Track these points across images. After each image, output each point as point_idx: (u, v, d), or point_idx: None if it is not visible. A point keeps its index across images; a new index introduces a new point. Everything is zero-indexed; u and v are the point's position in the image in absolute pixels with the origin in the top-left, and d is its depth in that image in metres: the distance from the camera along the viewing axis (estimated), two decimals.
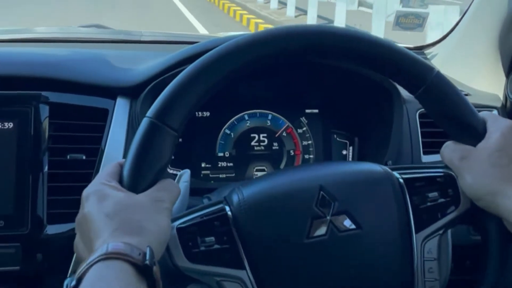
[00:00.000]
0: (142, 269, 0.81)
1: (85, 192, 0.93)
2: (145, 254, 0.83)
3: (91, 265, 0.80)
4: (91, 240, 0.86)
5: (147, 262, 0.82)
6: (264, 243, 0.96)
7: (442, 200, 1.02)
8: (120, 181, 0.94)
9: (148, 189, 0.92)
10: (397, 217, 1.00)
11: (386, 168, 1.04)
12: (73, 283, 0.81)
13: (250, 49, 0.97)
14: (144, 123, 0.93)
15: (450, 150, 1.03)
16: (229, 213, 0.97)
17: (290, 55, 1.00)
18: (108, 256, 0.80)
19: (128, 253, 0.81)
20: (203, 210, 0.98)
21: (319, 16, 12.17)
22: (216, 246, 0.95)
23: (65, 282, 0.84)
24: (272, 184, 1.02)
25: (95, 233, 0.86)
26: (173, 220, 0.96)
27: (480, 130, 1.01)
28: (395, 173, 1.03)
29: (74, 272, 0.84)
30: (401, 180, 1.02)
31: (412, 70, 1.01)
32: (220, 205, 0.99)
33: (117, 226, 0.86)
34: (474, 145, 1.01)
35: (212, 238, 0.96)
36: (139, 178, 0.92)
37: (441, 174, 1.04)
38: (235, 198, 0.99)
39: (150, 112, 0.93)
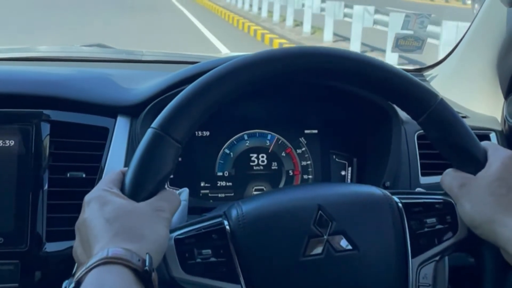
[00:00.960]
0: (141, 275, 0.82)
1: (87, 197, 0.95)
2: (144, 260, 0.84)
3: (91, 269, 0.81)
4: (90, 245, 0.87)
5: (147, 268, 0.83)
6: (260, 258, 0.97)
7: (440, 226, 1.03)
8: (122, 188, 0.95)
9: (149, 199, 0.93)
10: (394, 240, 1.01)
11: (386, 192, 1.05)
12: (72, 285, 0.82)
13: (256, 66, 0.99)
14: (148, 133, 0.95)
15: (450, 177, 1.04)
16: (227, 227, 0.98)
17: (293, 75, 1.02)
18: (108, 261, 0.81)
19: (128, 258, 0.82)
20: (201, 223, 0.99)
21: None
22: (212, 259, 0.96)
23: (64, 284, 0.85)
24: (271, 201, 1.03)
25: (95, 237, 0.87)
26: (172, 231, 0.97)
27: (481, 159, 1.03)
28: (395, 197, 1.04)
29: (73, 275, 0.85)
30: (400, 205, 1.03)
31: (416, 96, 1.02)
32: (219, 219, 1.00)
33: (117, 231, 0.87)
34: (474, 173, 1.02)
35: (209, 251, 0.97)
36: (140, 186, 0.94)
37: (440, 200, 1.05)
38: (234, 213, 1.00)
39: (155, 123, 0.95)
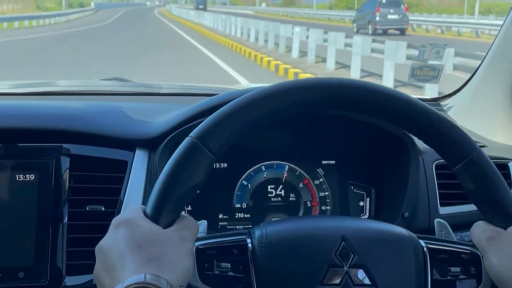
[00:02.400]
0: None
1: (116, 220, 0.96)
2: None
3: None
4: (118, 268, 0.88)
5: None
6: (277, 280, 0.97)
7: (464, 277, 1.02)
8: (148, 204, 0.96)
9: (175, 210, 0.95)
10: (414, 284, 0.99)
11: (413, 234, 1.04)
12: None
13: (299, 91, 1.01)
14: (185, 142, 0.97)
15: (480, 230, 1.03)
16: (250, 244, 0.99)
17: (329, 105, 1.04)
18: (145, 286, 0.83)
19: (164, 287, 0.84)
20: (225, 237, 1.01)
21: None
22: (231, 273, 0.97)
23: None
24: (296, 226, 1.04)
25: (124, 261, 0.88)
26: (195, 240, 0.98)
27: None
28: (421, 241, 1.03)
29: None
30: (426, 249, 1.02)
31: (455, 143, 1.02)
32: (243, 236, 1.01)
33: (150, 258, 0.88)
34: (505, 227, 1.01)
35: (228, 265, 0.98)
36: (170, 193, 0.95)
37: (467, 251, 1.04)
38: (258, 232, 1.01)
39: (194, 132, 0.97)
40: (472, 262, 1.03)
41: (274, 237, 0.99)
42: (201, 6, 67.05)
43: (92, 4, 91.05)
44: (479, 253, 1.02)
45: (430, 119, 1.02)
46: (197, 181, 0.97)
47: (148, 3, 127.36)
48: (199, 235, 1.06)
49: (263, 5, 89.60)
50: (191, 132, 0.98)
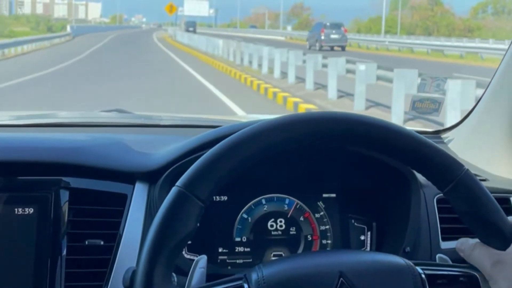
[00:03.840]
0: None
1: None
2: None
3: None
4: None
5: None
6: None
7: None
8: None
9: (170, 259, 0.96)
10: None
11: (409, 262, 1.04)
12: None
13: (284, 129, 1.01)
14: (173, 191, 0.97)
15: (481, 254, 1.04)
16: None
17: (317, 140, 1.04)
18: None
19: None
20: (221, 285, 0.99)
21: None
22: None
23: None
24: (292, 266, 1.02)
25: None
26: None
27: (507, 234, 1.02)
28: (418, 268, 1.03)
29: None
30: (423, 276, 1.02)
31: (441, 166, 1.03)
32: (239, 282, 0.99)
33: None
34: (503, 248, 1.01)
35: None
36: (162, 244, 0.95)
37: (465, 273, 1.04)
38: (254, 276, 0.99)
39: (180, 181, 0.97)
40: (470, 284, 1.03)
41: (271, 280, 0.98)
42: (191, 28, 67.65)
43: (68, 28, 69.12)
44: (477, 274, 1.03)
45: (414, 144, 1.03)
46: (188, 231, 0.97)
47: (143, 25, 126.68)
48: (199, 270, 1.05)
49: (289, 28, 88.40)
50: (181, 177, 0.98)
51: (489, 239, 1.03)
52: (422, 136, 1.05)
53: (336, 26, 36.52)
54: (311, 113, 1.04)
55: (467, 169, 1.03)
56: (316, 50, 31.72)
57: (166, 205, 0.97)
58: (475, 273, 1.03)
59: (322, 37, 35.44)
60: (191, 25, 70.30)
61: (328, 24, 36.69)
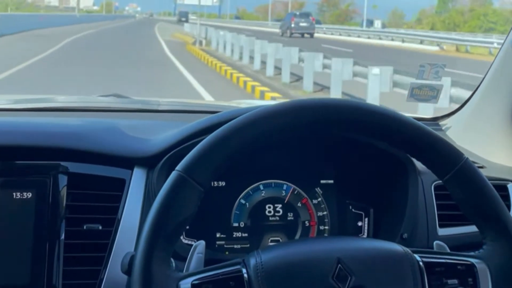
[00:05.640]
0: None
1: None
2: None
3: None
4: None
5: None
6: None
7: None
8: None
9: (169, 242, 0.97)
10: None
11: (408, 249, 1.04)
12: None
13: (283, 116, 1.01)
14: (172, 175, 0.98)
15: None
16: (245, 275, 0.98)
17: (316, 126, 1.04)
18: None
19: None
20: (219, 269, 1.00)
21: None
22: None
23: None
24: (290, 252, 1.03)
25: None
26: (189, 275, 0.98)
27: (505, 223, 1.03)
28: (416, 256, 1.03)
29: None
30: (421, 263, 1.02)
31: (441, 154, 1.03)
32: (237, 266, 1.00)
33: None
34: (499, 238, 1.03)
35: None
36: (161, 229, 0.96)
37: (463, 262, 1.04)
38: (252, 261, 1.00)
39: (180, 165, 0.98)
40: (468, 273, 1.03)
41: (269, 266, 0.98)
42: (183, 19, 67.08)
43: None
44: (473, 262, 1.03)
45: (414, 132, 1.04)
46: (187, 215, 0.98)
47: (137, 15, 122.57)
48: (197, 256, 1.05)
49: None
50: (181, 161, 0.99)
51: (485, 225, 1.03)
52: (422, 124, 1.05)
53: (305, 15, 40.21)
54: (311, 99, 1.04)
55: (467, 158, 1.03)
56: (287, 37, 36.33)
57: (165, 189, 0.97)
58: (473, 261, 1.04)
59: (292, 25, 38.56)
60: (184, 15, 69.95)
61: (297, 13, 40.60)
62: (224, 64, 16.51)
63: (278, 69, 14.94)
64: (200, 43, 24.43)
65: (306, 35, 38.61)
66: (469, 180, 1.03)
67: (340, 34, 42.01)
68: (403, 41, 33.11)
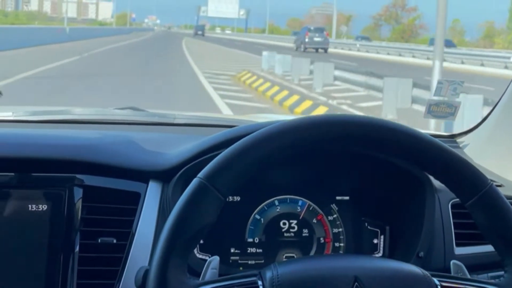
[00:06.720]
0: None
1: None
2: None
3: None
4: None
5: None
6: None
7: None
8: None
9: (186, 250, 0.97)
10: None
11: (426, 272, 1.02)
12: None
13: (308, 129, 1.01)
14: (194, 183, 0.98)
15: None
16: (261, 287, 0.98)
17: (340, 142, 1.04)
18: None
19: None
20: (235, 280, 0.99)
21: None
22: None
23: None
24: (307, 267, 1.02)
25: None
26: (205, 283, 0.98)
27: None
28: (435, 279, 1.02)
29: None
30: (440, 287, 1.01)
31: (466, 178, 1.02)
32: (253, 278, 1.00)
33: None
34: None
35: None
36: (181, 235, 0.96)
37: None
38: (269, 274, 0.99)
39: (202, 173, 0.98)
40: None
41: (286, 279, 0.98)
42: (199, 32, 67.25)
43: None
44: None
45: (441, 154, 1.02)
46: (206, 223, 0.98)
47: (155, 27, 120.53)
48: (211, 271, 1.05)
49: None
50: (203, 168, 0.99)
51: (508, 254, 1.02)
52: (447, 146, 1.04)
53: (319, 30, 40.34)
54: (333, 115, 1.04)
55: (492, 183, 1.02)
56: (301, 51, 36.74)
57: (186, 195, 0.97)
58: None
59: (306, 40, 38.92)
60: (200, 29, 70.50)
61: (312, 28, 40.73)
62: None
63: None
64: None
65: (320, 50, 38.75)
66: (493, 206, 1.01)
67: (400, 54, 34.39)
68: (462, 62, 26.71)
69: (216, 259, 1.08)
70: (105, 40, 41.68)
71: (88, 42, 35.69)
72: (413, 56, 32.52)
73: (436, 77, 8.89)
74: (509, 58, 25.59)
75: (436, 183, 1.39)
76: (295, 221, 1.49)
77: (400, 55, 34.70)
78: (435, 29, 9.55)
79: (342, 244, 1.50)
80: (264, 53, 20.81)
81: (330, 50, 40.02)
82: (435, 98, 1.77)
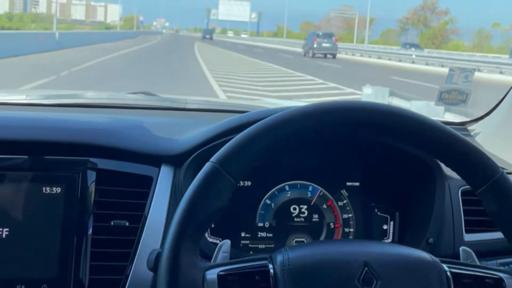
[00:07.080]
0: None
1: None
2: None
3: None
4: None
5: None
6: None
7: None
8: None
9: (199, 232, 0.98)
10: None
11: (436, 258, 1.03)
12: None
13: (320, 115, 1.02)
14: (206, 167, 0.99)
15: None
16: (272, 270, 0.99)
17: (352, 128, 1.04)
18: None
19: None
20: (246, 263, 1.01)
21: None
22: None
23: None
24: (318, 251, 1.03)
25: None
26: (216, 266, 0.99)
27: None
28: (444, 266, 1.02)
29: None
30: (449, 274, 1.01)
31: (477, 165, 1.02)
32: (264, 261, 1.01)
33: None
34: None
35: None
36: (192, 218, 0.97)
37: (491, 275, 1.03)
38: (279, 258, 1.00)
39: (215, 157, 0.99)
40: (496, 286, 1.02)
41: (296, 263, 0.99)
42: (207, 36, 66.86)
43: None
44: (502, 276, 1.02)
45: (453, 142, 1.03)
46: (218, 206, 0.98)
47: (164, 30, 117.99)
48: (222, 254, 1.06)
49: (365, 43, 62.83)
50: (214, 153, 1.00)
51: None
52: (459, 133, 1.04)
53: (328, 35, 39.34)
54: (345, 102, 1.04)
55: (503, 171, 1.02)
56: (309, 56, 36.35)
57: (199, 179, 0.98)
58: (502, 276, 1.02)
59: (315, 45, 37.84)
60: (208, 33, 70.32)
61: (320, 33, 39.56)
62: None
63: None
64: None
65: (328, 55, 37.52)
66: (504, 193, 1.02)
67: (427, 63, 29.01)
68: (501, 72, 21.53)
69: (227, 243, 1.09)
70: (103, 47, 34.07)
71: (79, 51, 28.07)
72: (442, 66, 25.32)
73: None
74: None
75: (446, 170, 1.40)
76: (305, 206, 1.51)
77: (479, 70, 21.44)
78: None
79: (351, 230, 1.51)
80: (367, 90, 10.25)
81: (365, 59, 36.66)
82: (447, 85, 1.77)
